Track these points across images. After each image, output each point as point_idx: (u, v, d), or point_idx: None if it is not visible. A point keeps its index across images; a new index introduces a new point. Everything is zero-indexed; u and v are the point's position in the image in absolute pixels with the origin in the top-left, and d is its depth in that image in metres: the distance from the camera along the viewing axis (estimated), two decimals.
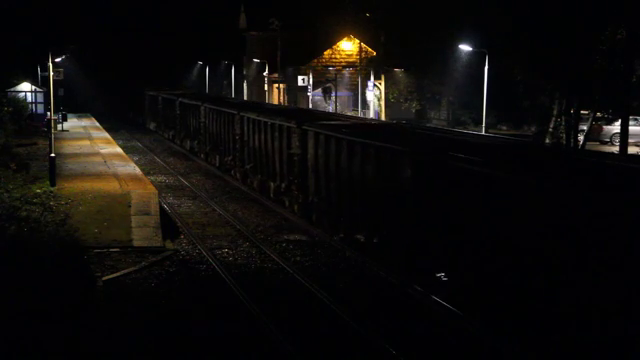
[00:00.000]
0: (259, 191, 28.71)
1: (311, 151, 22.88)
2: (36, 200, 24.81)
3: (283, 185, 25.86)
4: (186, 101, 43.71)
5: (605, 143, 43.51)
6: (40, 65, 55.54)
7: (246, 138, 30.25)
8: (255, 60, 75.70)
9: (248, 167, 29.99)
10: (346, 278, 17.53)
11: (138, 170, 32.67)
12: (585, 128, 38.54)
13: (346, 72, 65.47)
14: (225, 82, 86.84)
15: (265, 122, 27.62)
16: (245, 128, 30.26)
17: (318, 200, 22.40)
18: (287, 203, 25.50)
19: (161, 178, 34.29)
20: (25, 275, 15.70)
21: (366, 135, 19.53)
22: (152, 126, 59.21)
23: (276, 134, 26.26)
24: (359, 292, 16.46)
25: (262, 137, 28.03)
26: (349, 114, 52.38)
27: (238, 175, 31.86)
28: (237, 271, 18.23)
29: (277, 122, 26.20)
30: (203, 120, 38.19)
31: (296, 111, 33.43)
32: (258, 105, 39.06)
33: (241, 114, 30.86)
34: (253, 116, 29.30)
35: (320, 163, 22.09)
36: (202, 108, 38.43)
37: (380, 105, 58.45)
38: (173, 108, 47.67)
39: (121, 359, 12.99)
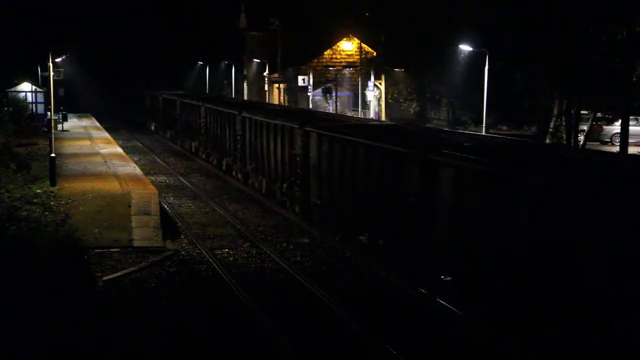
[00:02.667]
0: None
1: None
2: (36, 200, 24.82)
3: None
4: (259, 119, 28.40)
5: (605, 143, 43.51)
6: (40, 65, 55.57)
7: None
8: (255, 60, 75.72)
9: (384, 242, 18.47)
10: (346, 278, 17.53)
11: (138, 170, 32.69)
12: (585, 128, 38.55)
13: (346, 72, 65.46)
14: (225, 82, 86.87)
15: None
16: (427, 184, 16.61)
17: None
18: None
19: (161, 178, 34.29)
20: (25, 275, 15.69)
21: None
22: (190, 146, 43.28)
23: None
24: (359, 292, 16.47)
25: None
26: (349, 114, 52.41)
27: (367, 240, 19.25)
28: (237, 271, 18.23)
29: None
30: (300, 151, 23.77)
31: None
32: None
33: (403, 153, 17.24)
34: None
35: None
36: (299, 132, 23.97)
37: (380, 105, 58.41)
38: (230, 124, 32.86)
39: (121, 359, 13.00)
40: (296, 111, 32.03)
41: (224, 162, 34.07)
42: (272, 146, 26.44)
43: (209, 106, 37.24)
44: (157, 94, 56.37)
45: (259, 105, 38.39)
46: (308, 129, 22.86)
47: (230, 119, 32.43)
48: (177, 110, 46.71)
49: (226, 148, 33.65)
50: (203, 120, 38.32)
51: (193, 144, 41.64)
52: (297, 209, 24.04)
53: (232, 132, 32.11)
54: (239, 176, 31.28)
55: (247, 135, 29.77)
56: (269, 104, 49.99)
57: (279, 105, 50.90)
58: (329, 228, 21.45)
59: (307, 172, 23.10)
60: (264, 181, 27.74)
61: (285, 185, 25.23)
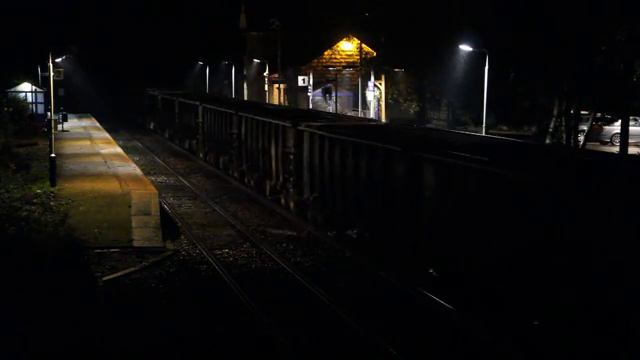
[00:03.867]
0: None
1: None
2: (36, 200, 24.83)
3: None
4: (328, 135, 22.79)
5: (605, 143, 43.50)
6: (40, 65, 55.52)
7: None
8: (255, 60, 75.73)
9: None
10: (346, 278, 17.53)
11: (138, 170, 32.68)
12: (585, 128, 38.56)
13: (346, 72, 65.47)
14: (225, 82, 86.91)
15: None
16: None
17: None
18: None
19: (161, 178, 34.30)
20: (25, 275, 15.70)
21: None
22: (217, 161, 36.91)
23: None
24: (359, 292, 16.48)
25: None
26: (349, 114, 52.41)
27: None
28: (237, 271, 18.23)
29: None
30: (401, 181, 18.63)
31: None
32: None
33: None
34: None
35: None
36: (400, 157, 18.57)
37: (380, 105, 58.43)
38: (277, 139, 26.73)
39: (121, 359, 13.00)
40: (377, 126, 25.47)
41: (267, 185, 27.71)
42: (350, 172, 20.55)
43: (245, 115, 30.93)
44: (172, 98, 50.17)
45: (315, 114, 29.99)
46: (418, 154, 17.28)
47: (277, 132, 26.31)
48: (199, 118, 40.45)
49: (271, 168, 27.36)
50: (236, 132, 32.09)
51: (221, 159, 35.26)
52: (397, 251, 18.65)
53: (280, 149, 26.03)
54: (291, 205, 24.94)
55: (305, 154, 23.69)
56: (328, 113, 40.80)
57: (337, 114, 42.16)
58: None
59: (418, 213, 17.33)
60: (336, 217, 21.67)
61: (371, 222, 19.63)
